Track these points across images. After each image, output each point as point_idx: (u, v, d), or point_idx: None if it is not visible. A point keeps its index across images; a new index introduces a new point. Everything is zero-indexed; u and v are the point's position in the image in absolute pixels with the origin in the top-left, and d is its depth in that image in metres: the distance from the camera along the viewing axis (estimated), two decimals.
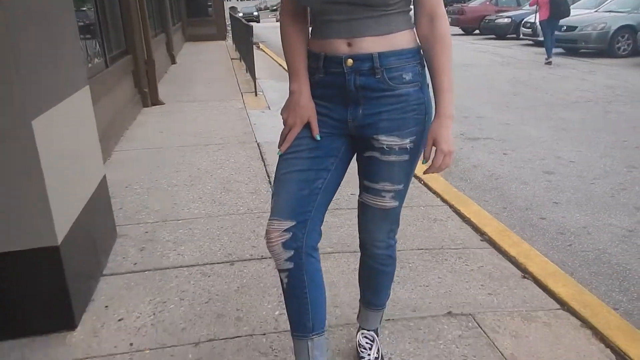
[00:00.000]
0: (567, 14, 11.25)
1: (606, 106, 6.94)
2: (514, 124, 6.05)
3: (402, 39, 1.46)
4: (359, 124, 1.51)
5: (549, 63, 11.12)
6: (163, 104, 6.86)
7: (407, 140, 1.51)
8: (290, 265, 1.48)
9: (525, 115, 6.48)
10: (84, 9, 5.00)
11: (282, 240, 1.46)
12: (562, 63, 11.30)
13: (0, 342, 2.04)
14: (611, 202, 3.73)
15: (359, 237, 1.73)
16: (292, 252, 1.46)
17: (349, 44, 1.44)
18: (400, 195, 1.60)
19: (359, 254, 1.78)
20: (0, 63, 1.78)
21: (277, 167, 1.56)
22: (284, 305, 1.57)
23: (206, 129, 5.43)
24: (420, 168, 1.64)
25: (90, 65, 4.62)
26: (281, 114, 1.57)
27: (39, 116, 1.94)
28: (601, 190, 3.95)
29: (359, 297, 1.90)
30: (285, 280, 1.51)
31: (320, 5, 1.44)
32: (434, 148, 1.48)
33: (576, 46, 12.71)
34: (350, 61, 1.44)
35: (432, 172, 1.52)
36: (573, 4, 15.97)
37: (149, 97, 6.73)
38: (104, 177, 2.84)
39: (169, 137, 5.18)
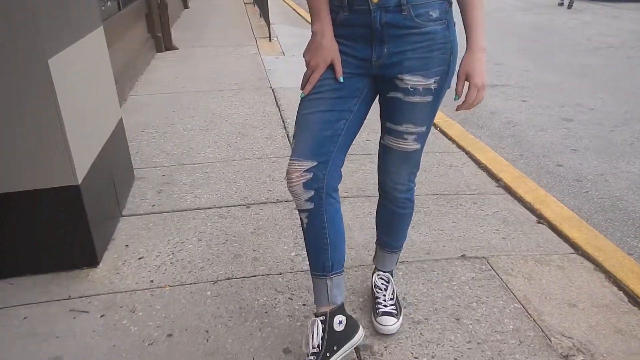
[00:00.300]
0: None
1: (629, 52, 6.73)
2: (533, 70, 5.90)
3: None
4: (383, 63, 1.47)
5: (570, 6, 10.96)
6: (177, 48, 6.77)
7: (432, 81, 1.48)
8: (310, 205, 1.49)
9: (545, 61, 6.31)
10: None
11: (303, 181, 1.46)
12: (585, 8, 10.89)
13: (26, 277, 2.12)
14: (630, 150, 3.67)
15: (379, 180, 1.73)
16: (312, 193, 1.47)
17: None
18: (422, 138, 1.59)
19: (373, 198, 1.80)
20: (16, 3, 1.76)
21: (299, 108, 1.54)
22: (300, 247, 1.61)
23: (220, 75, 5.38)
24: (447, 107, 1.62)
25: (103, 7, 4.55)
26: (304, 56, 1.52)
27: (55, 55, 1.93)
28: (620, 138, 3.89)
29: (373, 240, 1.93)
30: (305, 221, 1.53)
31: None
32: (466, 83, 1.45)
33: None
34: None
35: (465, 109, 1.50)
36: None
37: (163, 41, 6.65)
38: (121, 119, 2.85)
39: (183, 82, 5.14)
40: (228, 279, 2.10)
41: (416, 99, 1.50)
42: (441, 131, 3.72)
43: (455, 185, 2.91)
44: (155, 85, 5.03)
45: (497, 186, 2.91)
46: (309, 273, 1.64)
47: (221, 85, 4.96)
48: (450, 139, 3.57)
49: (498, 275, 2.11)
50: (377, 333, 1.79)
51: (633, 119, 4.29)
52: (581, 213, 2.79)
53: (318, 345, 1.56)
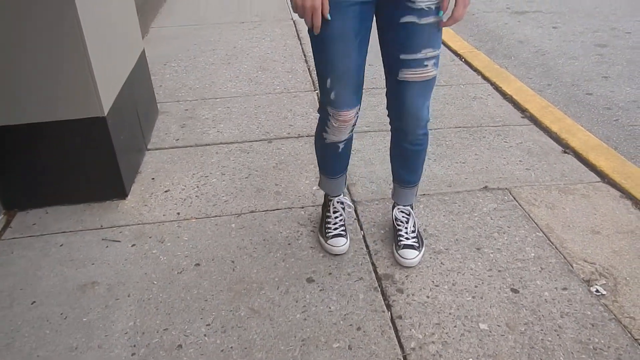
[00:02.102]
0: None
1: None
2: None
3: None
4: None
5: None
6: None
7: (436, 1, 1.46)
8: (349, 134, 1.74)
9: None
10: None
11: (353, 122, 1.67)
12: None
13: (61, 207, 2.21)
14: None
15: (396, 122, 1.69)
16: (353, 126, 1.70)
17: None
18: (438, 61, 1.56)
19: None
20: None
21: (324, 47, 1.50)
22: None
23: (242, 5, 5.25)
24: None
25: None
26: (294, 9, 1.43)
27: None
28: None
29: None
30: (341, 146, 1.76)
31: None
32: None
33: None
34: None
35: (451, 24, 1.46)
36: None
37: None
38: (143, 51, 2.84)
39: (204, 13, 5.05)
40: (252, 212, 2.15)
41: (431, 19, 1.46)
42: (466, 62, 3.62)
43: (479, 117, 2.86)
44: (177, 17, 4.96)
45: (522, 117, 2.85)
46: None
47: (242, 17, 4.86)
48: (475, 70, 3.47)
49: (520, 205, 2.11)
50: (398, 264, 1.84)
51: None
52: (610, 141, 2.73)
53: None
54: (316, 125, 1.77)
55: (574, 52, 4.01)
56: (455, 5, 1.43)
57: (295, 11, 1.43)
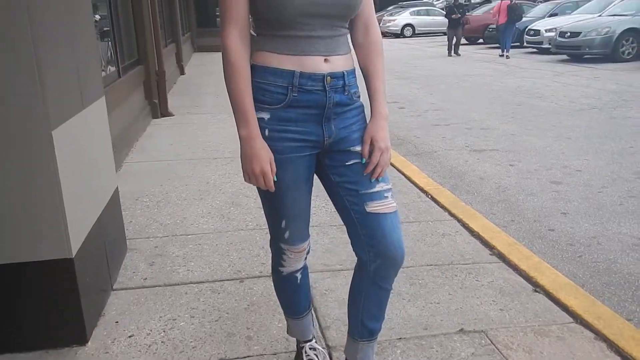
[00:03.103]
0: (520, 18, 14.95)
1: (611, 112, 6.93)
2: (519, 134, 6.04)
3: (352, 59, 1.58)
4: (334, 140, 1.54)
5: (507, 57, 14.01)
6: (172, 115, 6.90)
7: None
8: (303, 263, 1.79)
9: (530, 125, 6.48)
10: (99, 17, 5.05)
11: (307, 250, 1.75)
12: (566, 70, 11.30)
13: (13, 354, 2.05)
14: (620, 210, 3.72)
15: (371, 260, 1.57)
16: (308, 253, 1.78)
17: (326, 61, 1.48)
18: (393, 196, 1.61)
19: None
20: (25, 75, 1.81)
21: (279, 196, 1.56)
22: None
23: (215, 142, 5.45)
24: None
25: (104, 74, 4.66)
26: (246, 178, 1.50)
27: (59, 126, 1.96)
28: (609, 198, 3.94)
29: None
30: (299, 276, 1.79)
31: (297, 19, 1.41)
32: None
33: (580, 52, 12.74)
34: (329, 78, 1.48)
35: (372, 169, 1.54)
36: (577, 8, 16.06)
37: (159, 108, 6.78)
38: (117, 188, 2.87)
39: (178, 149, 5.20)
40: (221, 359, 2.04)
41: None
42: (432, 199, 3.76)
43: (449, 254, 2.91)
44: (151, 152, 5.09)
45: (490, 254, 2.91)
46: None
47: (216, 153, 5.02)
48: (442, 206, 3.60)
49: (498, 349, 2.08)
50: None
51: (620, 178, 4.37)
52: (577, 279, 2.79)
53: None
54: (271, 262, 1.79)
55: (532, 189, 4.24)
56: (373, 152, 1.54)
57: (247, 181, 1.51)
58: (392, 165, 4.54)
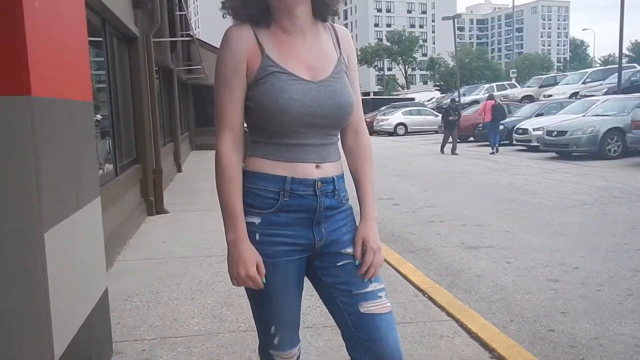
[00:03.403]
0: (505, 117, 16.30)
1: (603, 208, 7.01)
2: (513, 230, 6.07)
3: (342, 165, 1.62)
4: (324, 243, 1.56)
5: (494, 153, 14.92)
6: (167, 212, 6.93)
7: None
8: None
9: (524, 221, 6.53)
10: (100, 117, 5.23)
11: (298, 355, 1.70)
12: (556, 168, 11.58)
13: None
14: (620, 309, 3.65)
15: (365, 359, 1.51)
16: (298, 358, 1.72)
17: (318, 167, 1.53)
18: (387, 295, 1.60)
19: None
20: (22, 175, 1.83)
21: (269, 300, 1.56)
22: None
23: (210, 239, 5.44)
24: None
25: (101, 172, 4.74)
26: (230, 272, 1.50)
27: (52, 228, 1.96)
28: (608, 297, 3.88)
29: None
30: None
31: (293, 128, 1.48)
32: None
33: (568, 150, 13.13)
34: (320, 184, 1.52)
35: (365, 270, 1.54)
36: (562, 109, 16.79)
37: (155, 205, 6.83)
38: (106, 289, 2.81)
39: (171, 247, 5.18)
40: None
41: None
42: (429, 298, 3.70)
43: (449, 358, 2.81)
44: (144, 251, 5.05)
45: (491, 357, 2.82)
46: None
47: (209, 251, 4.99)
48: (439, 306, 3.54)
49: None
50: None
51: (617, 276, 4.33)
52: None
53: None
54: None
55: (529, 287, 4.18)
56: (366, 253, 1.54)
57: (235, 284, 1.51)
58: (387, 262, 4.51)
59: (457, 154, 15.29)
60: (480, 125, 17.33)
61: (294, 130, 1.48)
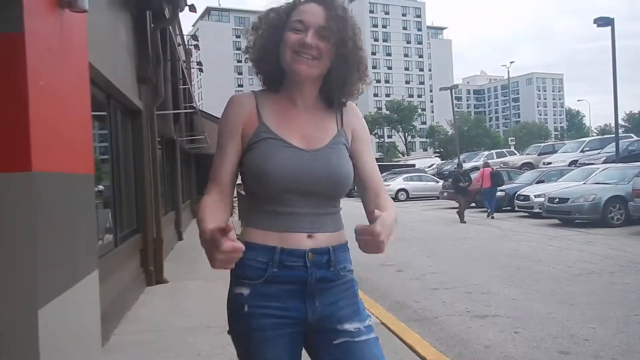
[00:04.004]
0: (503, 183, 16.63)
1: (610, 278, 6.89)
2: (520, 299, 5.93)
3: (344, 235, 1.57)
4: (318, 317, 1.49)
5: (492, 217, 15.49)
6: (167, 282, 6.81)
7: (367, 321, 1.54)
8: None
9: (530, 289, 6.39)
10: (102, 187, 5.25)
11: None
12: (559, 235, 11.48)
13: None
14: None
15: None
16: None
17: (310, 237, 1.48)
18: None
19: None
20: (18, 250, 1.81)
21: None
22: None
23: (209, 309, 5.30)
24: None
25: (100, 243, 4.70)
26: (215, 264, 1.27)
27: (46, 305, 1.91)
28: None
29: None
30: None
31: (280, 194, 1.46)
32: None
33: (570, 217, 13.06)
34: (311, 255, 1.47)
35: (368, 248, 1.34)
36: (562, 176, 16.90)
37: (154, 275, 6.72)
38: None
39: (170, 318, 5.05)
40: None
41: (364, 337, 1.50)
42: None
43: None
44: (142, 323, 4.92)
45: None
46: None
47: (209, 322, 4.86)
48: None
49: None
50: None
51: (630, 350, 4.17)
52: None
53: None
54: None
55: (541, 359, 4.03)
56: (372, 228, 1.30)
57: (217, 266, 1.27)
58: (391, 332, 4.38)
59: (465, 222, 14.52)
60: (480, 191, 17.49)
61: (284, 197, 1.46)
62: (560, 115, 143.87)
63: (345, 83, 1.55)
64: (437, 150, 68.43)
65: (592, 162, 20.17)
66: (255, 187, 1.49)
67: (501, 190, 17.21)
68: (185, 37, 17.30)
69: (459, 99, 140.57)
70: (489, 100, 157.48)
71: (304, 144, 1.50)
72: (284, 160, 1.46)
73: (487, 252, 9.42)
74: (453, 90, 33.26)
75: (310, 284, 1.47)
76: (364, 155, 1.61)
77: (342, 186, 1.53)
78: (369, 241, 1.31)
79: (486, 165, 17.35)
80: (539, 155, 27.28)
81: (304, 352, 1.57)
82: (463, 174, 15.88)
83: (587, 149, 23.80)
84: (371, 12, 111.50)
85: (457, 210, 15.26)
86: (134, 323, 4.91)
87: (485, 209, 16.31)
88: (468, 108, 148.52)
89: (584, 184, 14.32)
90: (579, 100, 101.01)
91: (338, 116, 1.61)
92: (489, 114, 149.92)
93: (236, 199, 13.04)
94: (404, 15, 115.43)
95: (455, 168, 17.45)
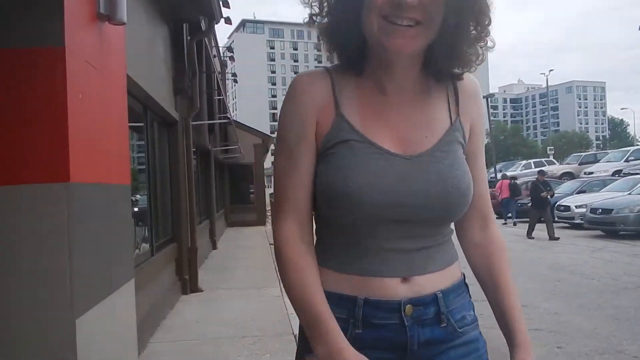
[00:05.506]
0: (520, 194, 16.87)
1: None
2: (562, 313, 5.72)
3: (458, 269, 1.14)
4: None
5: (510, 224, 16.20)
6: (202, 291, 6.87)
7: None
8: None
9: (573, 303, 6.16)
10: (139, 197, 5.34)
11: None
12: (604, 246, 11.08)
13: None
14: None
15: None
16: None
17: (405, 281, 1.04)
18: None
19: None
20: (56, 261, 1.83)
21: None
22: None
23: (244, 318, 5.32)
24: None
25: (137, 252, 4.77)
26: None
27: (84, 314, 1.93)
28: None
29: None
30: None
31: (370, 224, 1.02)
32: None
33: (615, 228, 12.60)
34: (409, 307, 1.03)
35: None
36: (604, 186, 16.35)
37: (189, 284, 6.79)
38: None
39: (205, 327, 5.07)
40: None
41: None
42: None
43: None
44: (177, 332, 4.95)
45: None
46: None
47: (243, 331, 4.86)
48: None
49: None
50: None
51: None
52: None
53: None
54: None
55: None
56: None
57: None
58: None
59: (558, 238, 11.94)
60: (522, 201, 17.20)
61: (372, 227, 1.03)
62: (602, 124, 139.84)
63: (457, 43, 1.03)
64: None
65: (637, 172, 19.46)
66: (331, 211, 1.05)
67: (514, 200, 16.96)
68: (220, 49, 17.60)
69: (494, 107, 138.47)
70: (526, 109, 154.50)
71: (400, 148, 1.05)
72: (374, 177, 1.01)
73: (526, 264, 9.15)
74: (489, 99, 32.76)
75: (412, 350, 1.04)
76: (478, 161, 1.15)
77: (459, 208, 1.07)
78: None
79: (504, 177, 18.12)
80: (579, 164, 26.48)
81: None
82: (543, 183, 12.64)
83: (632, 158, 22.94)
84: None
85: (527, 229, 12.71)
86: (170, 332, 4.95)
87: (527, 220, 15.45)
88: (504, 117, 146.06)
89: (629, 194, 13.80)
90: (622, 109, 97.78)
91: (451, 99, 1.12)
92: (527, 123, 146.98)
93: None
94: None
95: (536, 176, 13.80)
